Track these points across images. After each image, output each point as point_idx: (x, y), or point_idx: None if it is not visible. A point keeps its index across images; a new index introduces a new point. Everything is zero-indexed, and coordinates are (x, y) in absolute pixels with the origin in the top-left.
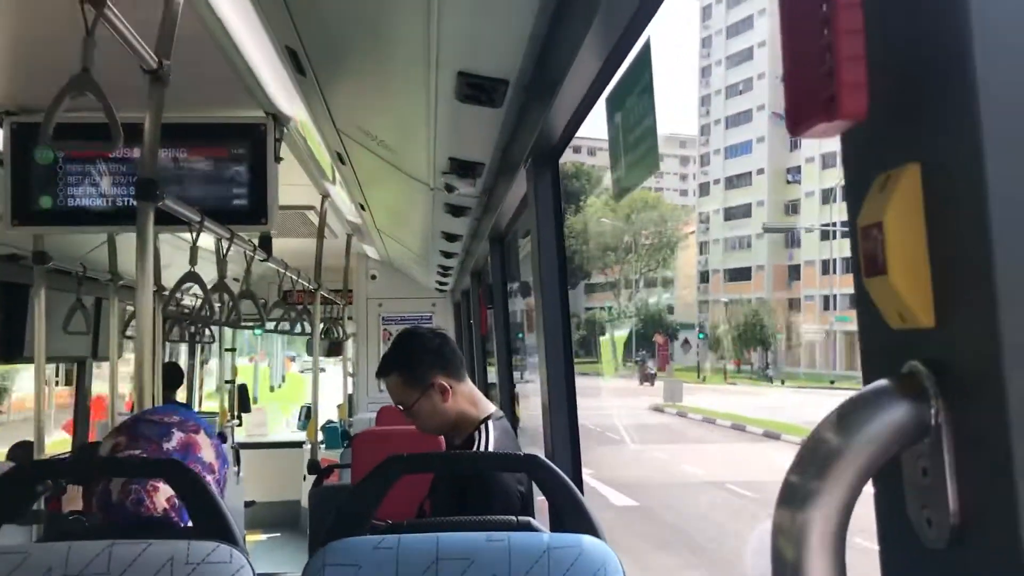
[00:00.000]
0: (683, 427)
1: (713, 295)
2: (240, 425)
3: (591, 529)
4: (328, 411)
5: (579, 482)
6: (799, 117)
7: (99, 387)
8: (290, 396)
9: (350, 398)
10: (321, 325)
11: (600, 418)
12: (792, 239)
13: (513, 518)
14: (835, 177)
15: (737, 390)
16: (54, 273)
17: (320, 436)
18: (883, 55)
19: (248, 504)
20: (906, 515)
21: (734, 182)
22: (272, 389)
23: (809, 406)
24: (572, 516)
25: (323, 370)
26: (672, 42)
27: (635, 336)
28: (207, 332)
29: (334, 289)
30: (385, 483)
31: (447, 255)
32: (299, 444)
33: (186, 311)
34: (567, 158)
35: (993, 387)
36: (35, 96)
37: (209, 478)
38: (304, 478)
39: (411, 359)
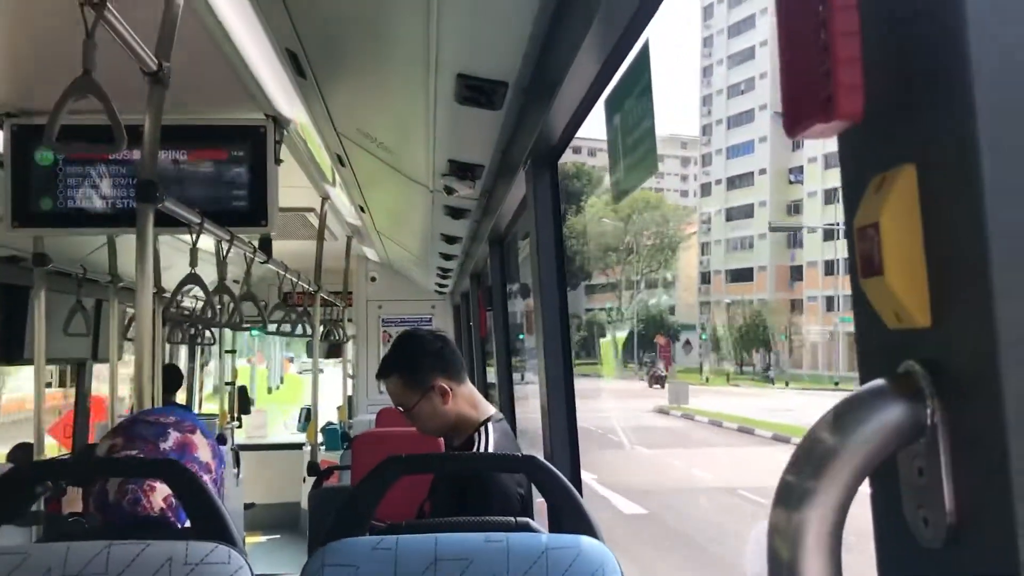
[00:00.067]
0: (689, 430)
1: (715, 296)
2: (240, 427)
3: (589, 530)
4: (328, 413)
5: (578, 483)
6: (796, 118)
7: (96, 388)
8: (288, 398)
9: (350, 400)
10: (321, 327)
11: (601, 420)
12: (794, 240)
13: (512, 519)
14: (837, 177)
15: (740, 392)
16: (54, 275)
17: (320, 438)
18: (879, 56)
19: (248, 506)
20: (902, 515)
21: (736, 182)
22: (270, 391)
23: (814, 408)
24: (571, 517)
25: (321, 371)
26: (673, 42)
27: (636, 337)
28: (207, 334)
29: (334, 291)
30: (384, 484)
31: (446, 257)
32: (299, 446)
33: (186, 313)
34: (567, 158)
35: (989, 387)
36: (35, 98)
37: (206, 477)
38: (304, 480)
39: (412, 361)
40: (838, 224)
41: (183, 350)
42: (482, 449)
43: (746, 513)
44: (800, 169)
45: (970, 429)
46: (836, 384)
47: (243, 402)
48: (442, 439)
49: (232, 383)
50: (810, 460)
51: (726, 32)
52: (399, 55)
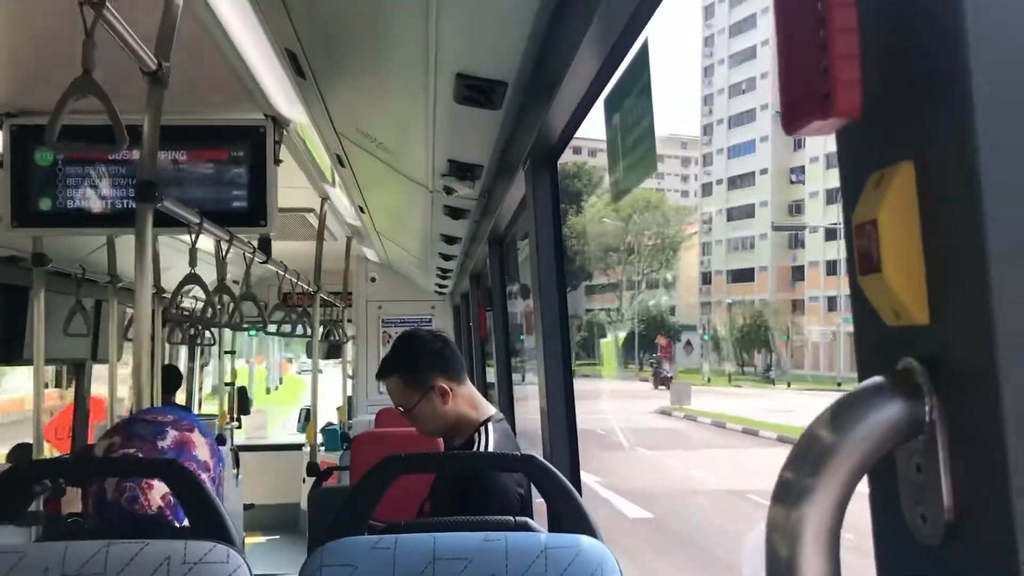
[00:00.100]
0: (692, 432)
1: (716, 296)
2: (239, 427)
3: (589, 530)
4: (327, 413)
5: (577, 483)
6: (794, 115)
7: (95, 389)
8: (287, 398)
9: (349, 400)
10: (321, 327)
11: (601, 421)
12: (796, 240)
13: (511, 518)
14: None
15: (742, 392)
16: (54, 275)
17: (319, 438)
18: (877, 53)
19: (247, 507)
20: (900, 512)
21: (737, 182)
22: (268, 391)
23: (815, 408)
24: (570, 517)
25: (320, 372)
26: (674, 42)
27: (637, 338)
28: (207, 335)
29: (334, 291)
30: (383, 483)
31: (446, 257)
32: (298, 446)
33: (186, 313)
34: (567, 158)
35: (987, 383)
36: (35, 98)
37: (204, 476)
38: (303, 480)
39: (412, 361)
40: (840, 224)
41: (183, 350)
42: (482, 449)
43: (757, 520)
44: (802, 169)
45: (968, 426)
46: (839, 384)
47: (243, 403)
48: (442, 439)
49: (232, 384)
50: (808, 457)
51: (727, 32)
52: (398, 55)
